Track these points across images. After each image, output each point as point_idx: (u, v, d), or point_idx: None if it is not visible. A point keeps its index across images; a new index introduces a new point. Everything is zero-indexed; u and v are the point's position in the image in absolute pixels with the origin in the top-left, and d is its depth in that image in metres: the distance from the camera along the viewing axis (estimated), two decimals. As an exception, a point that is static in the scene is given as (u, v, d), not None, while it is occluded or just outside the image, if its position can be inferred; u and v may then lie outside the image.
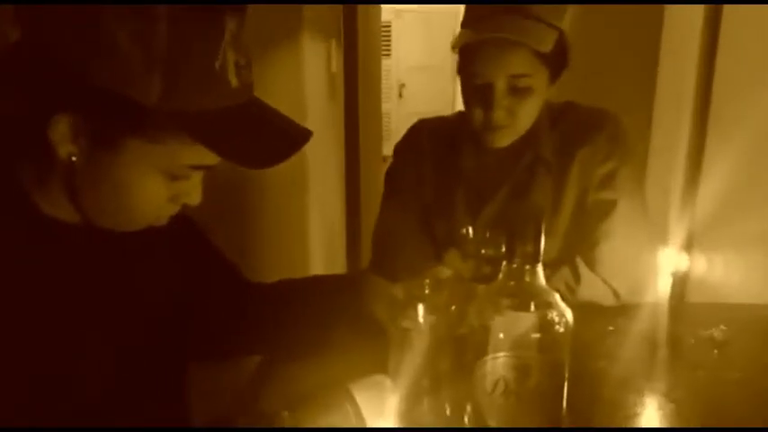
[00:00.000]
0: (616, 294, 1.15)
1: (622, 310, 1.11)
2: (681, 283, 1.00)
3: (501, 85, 1.11)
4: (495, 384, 0.65)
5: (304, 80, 1.98)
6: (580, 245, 1.19)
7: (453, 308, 0.87)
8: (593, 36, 1.65)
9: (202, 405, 1.00)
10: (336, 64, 2.44)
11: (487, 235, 1.04)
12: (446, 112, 1.41)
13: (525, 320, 0.65)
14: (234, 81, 0.67)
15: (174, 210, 0.76)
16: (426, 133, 1.34)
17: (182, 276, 0.91)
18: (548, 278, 0.66)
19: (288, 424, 0.73)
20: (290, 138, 0.71)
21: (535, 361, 0.64)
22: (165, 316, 0.87)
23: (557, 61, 1.14)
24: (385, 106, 4.74)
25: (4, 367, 0.69)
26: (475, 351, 0.66)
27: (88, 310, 0.77)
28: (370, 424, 0.72)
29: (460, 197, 1.27)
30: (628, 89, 1.78)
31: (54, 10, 0.63)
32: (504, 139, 1.18)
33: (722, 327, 1.05)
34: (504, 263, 0.65)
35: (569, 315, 0.66)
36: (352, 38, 2.58)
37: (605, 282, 1.15)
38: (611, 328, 1.07)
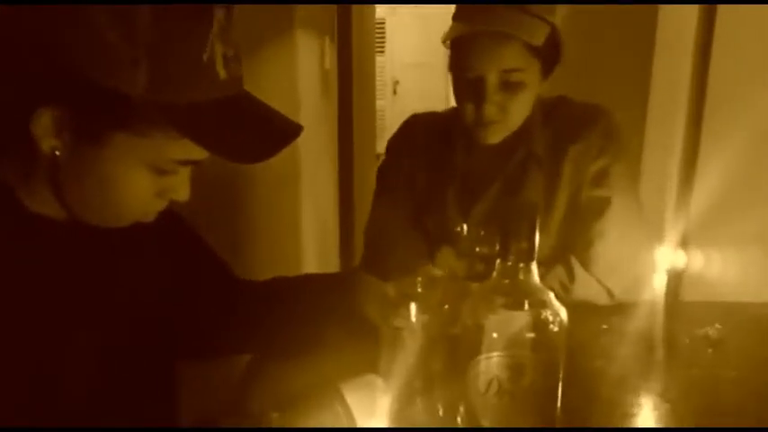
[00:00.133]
0: (610, 293, 1.15)
1: (617, 309, 1.11)
2: (675, 281, 1.00)
3: (492, 79, 1.11)
4: (489, 384, 0.64)
5: (297, 76, 1.97)
6: (574, 243, 1.19)
7: (446, 306, 0.86)
8: (587, 33, 1.64)
9: (192, 404, 0.99)
10: (330, 60, 2.43)
11: (482, 233, 1.04)
12: (440, 109, 1.39)
13: (519, 319, 0.64)
14: (222, 73, 0.66)
15: (161, 205, 0.75)
16: (419, 128, 1.33)
17: (170, 273, 0.89)
18: (542, 277, 0.65)
19: (277, 424, 0.72)
20: (280, 132, 0.70)
21: (529, 360, 0.64)
22: (154, 314, 0.86)
23: (549, 56, 1.14)
24: (379, 103, 4.74)
25: None
26: (468, 350, 0.65)
27: (74, 308, 0.76)
28: (361, 424, 0.72)
29: (452, 193, 1.27)
30: (622, 85, 1.78)
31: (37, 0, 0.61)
32: (495, 135, 1.17)
33: (717, 325, 1.04)
34: (498, 260, 0.64)
35: (564, 314, 0.65)
36: (346, 34, 2.58)
37: (599, 281, 1.14)
38: (605, 326, 1.07)
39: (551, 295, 0.66)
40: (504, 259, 0.64)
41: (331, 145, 2.61)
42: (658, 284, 1.00)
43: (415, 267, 0.92)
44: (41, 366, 0.73)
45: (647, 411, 0.85)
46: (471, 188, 1.26)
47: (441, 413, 0.80)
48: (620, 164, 1.20)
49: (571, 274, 1.15)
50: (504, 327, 0.64)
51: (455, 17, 1.16)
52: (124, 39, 0.60)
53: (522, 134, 1.19)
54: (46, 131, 0.64)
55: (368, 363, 0.81)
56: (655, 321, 1.00)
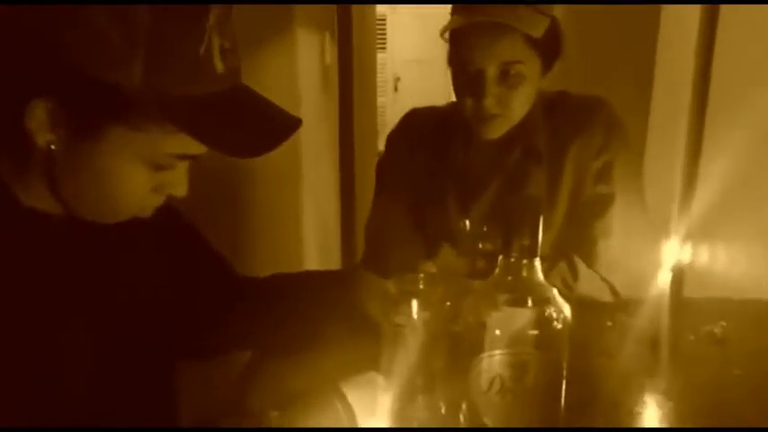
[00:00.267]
0: (614, 290, 1.14)
1: (621, 306, 1.10)
2: (680, 278, 0.99)
3: (492, 71, 1.10)
4: (492, 382, 0.63)
5: (297, 72, 1.97)
6: (577, 240, 1.18)
7: (448, 303, 0.86)
8: (590, 34, 1.64)
9: (191, 402, 0.98)
10: (330, 56, 2.42)
11: (484, 229, 1.03)
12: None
13: (522, 316, 0.63)
14: (219, 66, 0.65)
15: (158, 201, 0.75)
16: (419, 123, 1.32)
17: (169, 270, 0.89)
18: (545, 273, 0.64)
19: (277, 423, 0.71)
20: (278, 126, 0.70)
21: (532, 358, 0.63)
22: (152, 310, 0.85)
23: (549, 49, 1.13)
24: (380, 100, 4.74)
25: None
26: (470, 348, 0.64)
27: (71, 305, 0.75)
28: (362, 423, 0.71)
29: (452, 189, 1.26)
30: (625, 85, 1.78)
31: None
32: (496, 130, 1.16)
33: (722, 323, 1.04)
34: (501, 257, 0.63)
35: (567, 311, 0.64)
36: (346, 30, 2.56)
37: (603, 278, 1.13)
38: (609, 323, 1.06)
39: (555, 292, 0.65)
40: (507, 256, 0.63)
41: (331, 141, 2.60)
42: (662, 281, 0.99)
43: (415, 264, 0.91)
44: (38, 363, 0.72)
45: (651, 409, 0.84)
46: (471, 184, 1.25)
47: (442, 411, 0.79)
48: (622, 159, 1.19)
49: (574, 271, 1.14)
50: (506, 324, 0.63)
51: (454, 10, 1.15)
52: (120, 32, 0.60)
53: (522, 129, 1.18)
54: (41, 125, 0.63)
55: (369, 360, 0.80)
56: (659, 319, 0.99)
